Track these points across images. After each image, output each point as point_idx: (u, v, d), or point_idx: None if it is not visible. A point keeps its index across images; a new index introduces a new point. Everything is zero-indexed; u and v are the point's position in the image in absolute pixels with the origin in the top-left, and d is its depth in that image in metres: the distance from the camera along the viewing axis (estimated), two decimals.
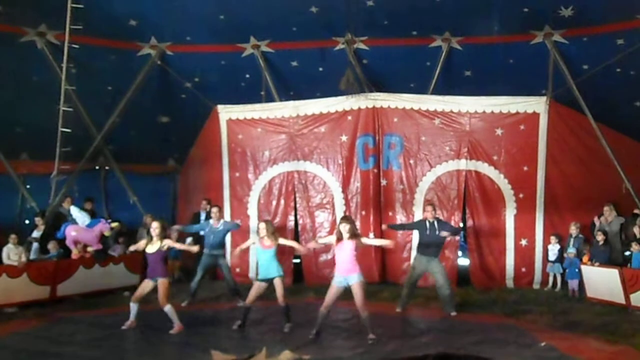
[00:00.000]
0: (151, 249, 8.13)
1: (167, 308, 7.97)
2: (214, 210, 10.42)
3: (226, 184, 12.52)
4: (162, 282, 8.02)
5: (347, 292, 7.73)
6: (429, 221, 9.39)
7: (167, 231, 8.52)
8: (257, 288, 8.17)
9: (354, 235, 7.63)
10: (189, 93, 12.48)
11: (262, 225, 8.39)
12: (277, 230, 8.71)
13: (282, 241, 8.39)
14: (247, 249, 8.63)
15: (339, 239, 7.62)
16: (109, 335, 7.78)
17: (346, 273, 7.52)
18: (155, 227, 8.16)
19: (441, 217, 10.47)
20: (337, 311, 7.88)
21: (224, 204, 12.32)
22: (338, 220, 8.46)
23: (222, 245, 10.33)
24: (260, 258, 8.28)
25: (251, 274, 11.81)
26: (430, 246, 9.28)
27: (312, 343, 7.27)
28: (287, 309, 8.10)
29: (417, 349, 6.98)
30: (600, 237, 9.96)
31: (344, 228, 7.60)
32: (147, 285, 8.15)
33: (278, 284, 8.09)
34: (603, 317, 8.60)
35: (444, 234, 9.30)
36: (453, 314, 8.99)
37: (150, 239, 8.20)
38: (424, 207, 10.25)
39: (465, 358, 1.77)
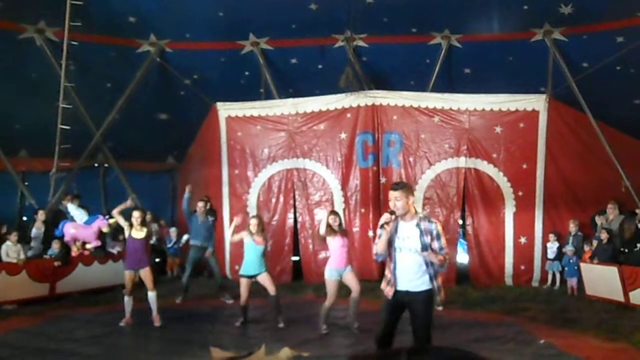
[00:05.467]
0: (138, 234, 8.10)
1: (154, 294, 8.01)
2: (200, 204, 10.25)
3: (225, 182, 12.51)
4: (147, 270, 8.06)
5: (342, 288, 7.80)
6: None
7: (161, 222, 8.42)
8: (245, 285, 8.17)
9: (343, 229, 7.90)
10: (188, 90, 12.47)
11: (255, 221, 8.41)
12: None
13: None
14: (242, 243, 8.55)
15: (332, 232, 7.71)
16: (108, 332, 7.78)
17: (343, 266, 7.65)
18: (136, 216, 8.11)
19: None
20: (335, 309, 7.88)
21: (223, 201, 12.32)
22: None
23: (208, 238, 10.16)
24: (251, 254, 8.24)
25: None
26: None
27: (311, 340, 7.27)
28: (277, 299, 8.12)
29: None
30: (604, 236, 9.93)
31: (334, 221, 7.74)
32: (132, 277, 8.12)
33: (266, 278, 8.13)
34: (602, 315, 8.60)
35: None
36: (439, 308, 8.97)
37: (131, 224, 8.12)
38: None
39: (440, 350, 1.74)
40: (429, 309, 5.05)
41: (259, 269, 8.16)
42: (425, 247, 4.92)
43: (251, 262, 8.20)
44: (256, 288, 8.38)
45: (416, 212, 5.09)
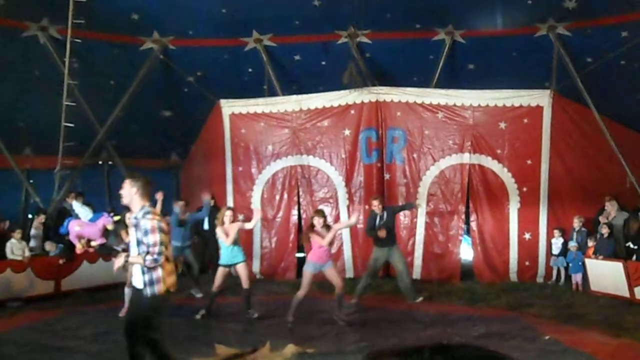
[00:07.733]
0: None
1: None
2: (181, 203, 10.37)
3: (229, 179, 12.52)
4: None
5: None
6: (379, 213, 9.40)
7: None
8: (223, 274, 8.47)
9: (327, 227, 8.03)
10: (192, 87, 12.47)
11: (229, 212, 8.62)
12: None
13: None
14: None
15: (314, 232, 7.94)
16: (113, 329, 7.77)
17: (323, 261, 7.92)
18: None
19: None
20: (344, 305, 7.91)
21: (227, 199, 12.33)
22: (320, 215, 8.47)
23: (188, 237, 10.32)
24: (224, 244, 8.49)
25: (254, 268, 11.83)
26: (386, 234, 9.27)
27: (316, 337, 7.26)
28: (249, 294, 8.44)
29: (420, 341, 6.97)
30: (604, 231, 9.92)
31: (318, 222, 7.95)
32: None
33: (242, 268, 8.41)
34: (607, 311, 8.58)
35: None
36: (419, 300, 9.12)
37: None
38: (371, 202, 10.00)
39: (461, 348, 1.74)
40: (135, 307, 4.84)
41: (237, 258, 8.44)
42: (138, 242, 4.77)
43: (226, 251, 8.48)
44: (259, 285, 8.42)
45: (144, 205, 4.89)
